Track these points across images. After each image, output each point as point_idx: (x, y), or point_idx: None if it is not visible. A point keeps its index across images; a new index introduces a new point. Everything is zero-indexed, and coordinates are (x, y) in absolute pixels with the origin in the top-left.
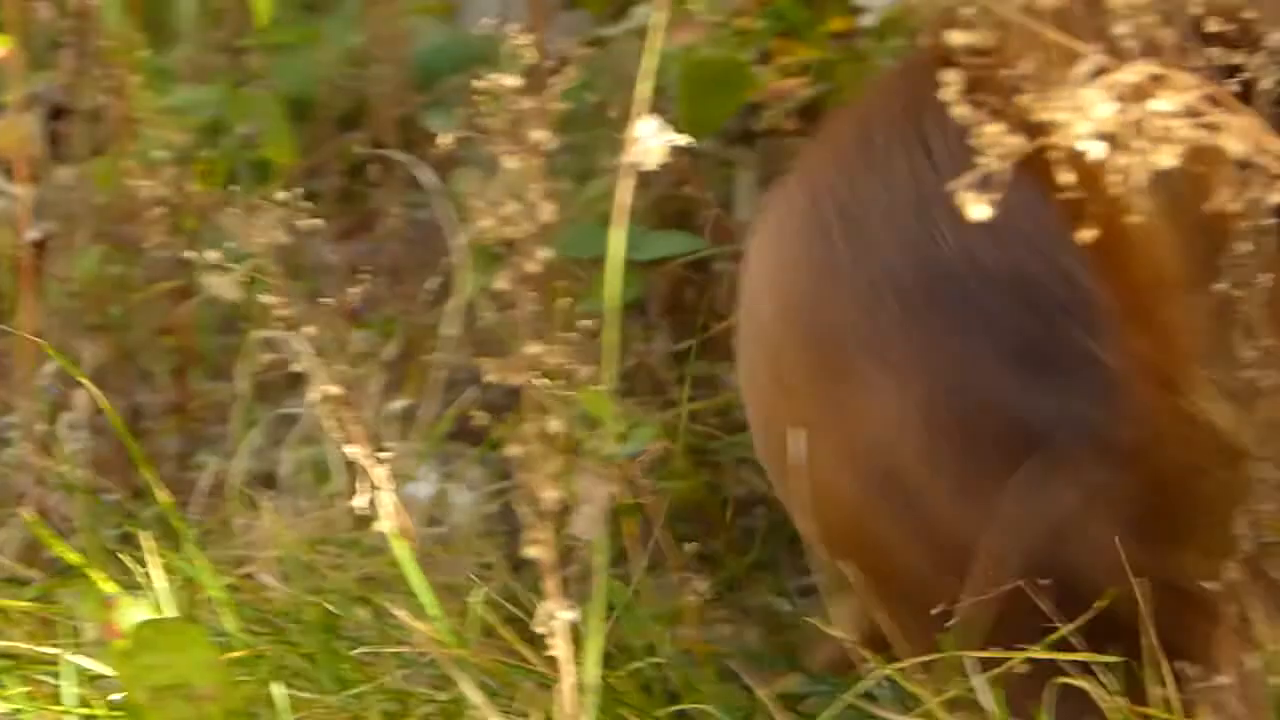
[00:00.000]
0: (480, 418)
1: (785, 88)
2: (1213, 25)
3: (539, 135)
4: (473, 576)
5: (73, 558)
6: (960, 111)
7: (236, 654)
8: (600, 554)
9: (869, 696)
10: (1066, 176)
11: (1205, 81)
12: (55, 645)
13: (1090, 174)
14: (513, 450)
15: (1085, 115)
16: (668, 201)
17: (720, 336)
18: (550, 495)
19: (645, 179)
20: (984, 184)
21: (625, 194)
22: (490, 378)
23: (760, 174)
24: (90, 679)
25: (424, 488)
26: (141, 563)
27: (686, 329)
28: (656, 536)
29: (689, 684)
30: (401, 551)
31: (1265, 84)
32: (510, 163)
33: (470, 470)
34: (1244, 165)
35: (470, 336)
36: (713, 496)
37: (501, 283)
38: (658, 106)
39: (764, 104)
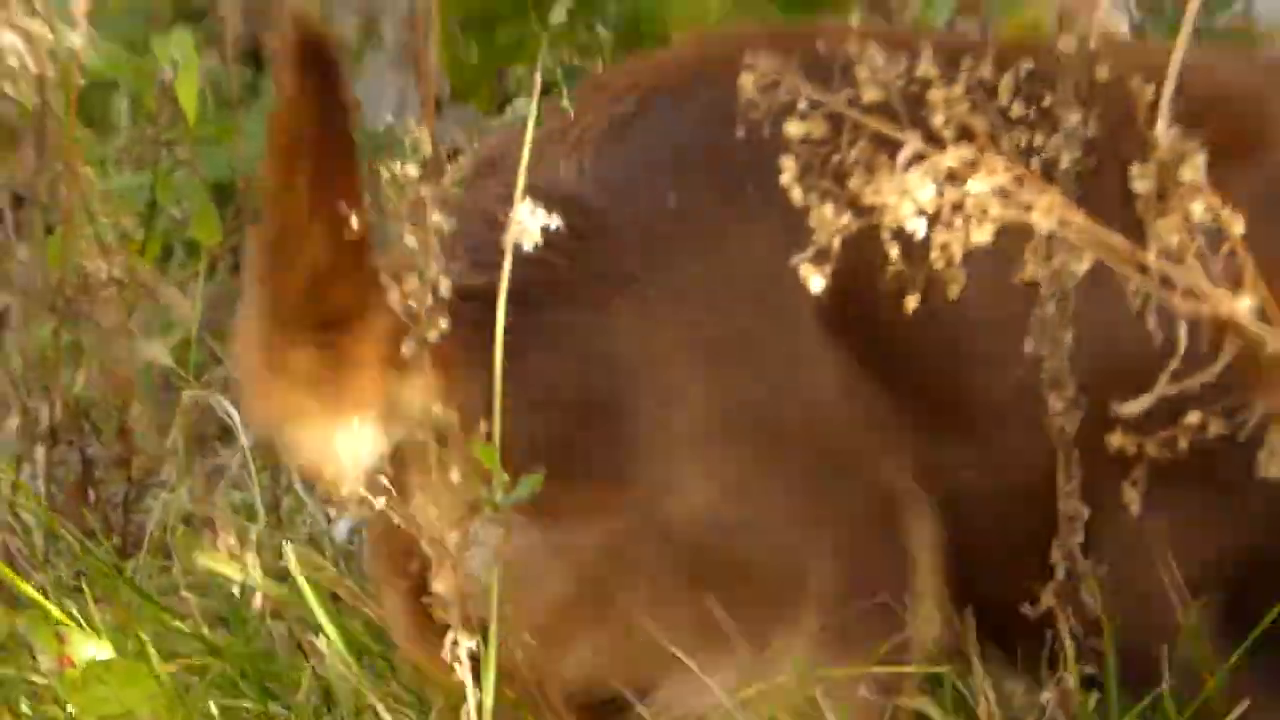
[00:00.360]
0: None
1: None
2: (1018, 111)
3: (435, 218)
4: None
5: (31, 593)
6: (795, 195)
7: (174, 667)
8: (495, 589)
9: None
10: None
11: (1014, 163)
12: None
13: None
14: (417, 497)
15: (909, 197)
16: None
17: None
18: (451, 537)
19: None
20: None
21: (507, 265)
22: (395, 435)
23: None
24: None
25: (342, 526)
26: (93, 599)
27: None
28: None
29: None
30: (312, 588)
31: (1064, 163)
32: (411, 241)
33: None
34: (1050, 237)
35: None
36: None
37: (405, 349)
38: None
39: None
